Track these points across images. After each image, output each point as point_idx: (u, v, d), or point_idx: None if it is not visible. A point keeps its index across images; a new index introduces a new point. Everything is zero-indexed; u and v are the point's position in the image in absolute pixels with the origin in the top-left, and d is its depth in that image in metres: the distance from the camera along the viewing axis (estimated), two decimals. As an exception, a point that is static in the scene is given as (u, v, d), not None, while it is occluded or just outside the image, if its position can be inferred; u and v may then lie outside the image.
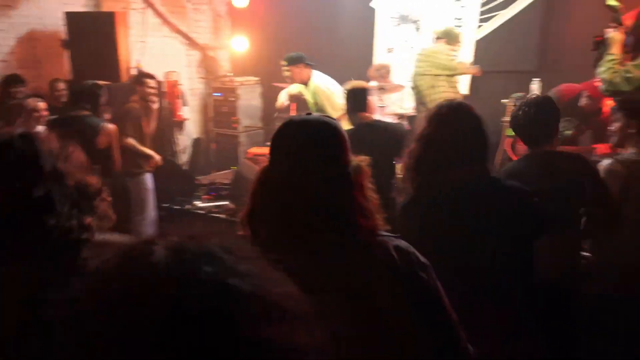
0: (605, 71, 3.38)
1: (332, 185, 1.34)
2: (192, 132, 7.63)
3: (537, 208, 2.01)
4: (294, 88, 5.47)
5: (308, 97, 5.31)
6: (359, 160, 1.40)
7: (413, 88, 5.76)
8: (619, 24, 3.43)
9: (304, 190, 1.33)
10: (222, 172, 6.14)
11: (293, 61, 5.20)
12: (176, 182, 5.36)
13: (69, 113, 4.33)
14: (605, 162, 2.81)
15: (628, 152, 2.84)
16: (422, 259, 1.39)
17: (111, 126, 4.35)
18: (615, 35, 3.43)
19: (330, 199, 1.34)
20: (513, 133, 5.64)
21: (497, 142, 5.59)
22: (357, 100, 3.95)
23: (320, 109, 5.08)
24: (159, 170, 5.10)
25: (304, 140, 1.38)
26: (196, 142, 7.56)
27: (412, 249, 1.40)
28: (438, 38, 5.72)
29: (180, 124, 7.01)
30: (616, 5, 3.45)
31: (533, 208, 2.00)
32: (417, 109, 5.84)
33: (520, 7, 6.26)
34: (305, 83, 5.28)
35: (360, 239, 1.35)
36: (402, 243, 1.40)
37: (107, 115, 4.56)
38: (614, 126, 2.93)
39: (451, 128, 2.00)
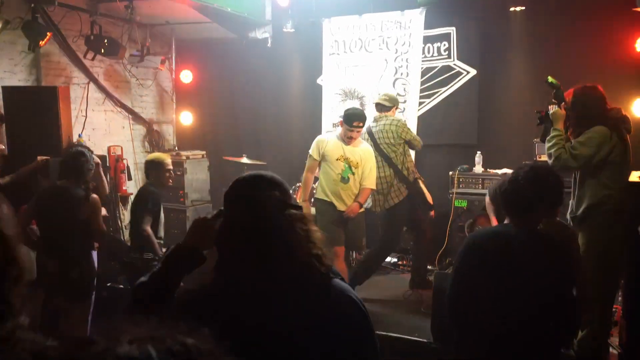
0: (551, 147, 3.53)
1: (278, 227, 1.51)
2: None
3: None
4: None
5: (348, 155, 5.05)
6: (299, 206, 1.59)
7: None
8: (560, 100, 3.62)
9: (255, 233, 1.50)
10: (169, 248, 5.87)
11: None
12: (120, 259, 5.06)
13: (56, 183, 4.33)
14: None
15: None
16: (361, 302, 1.54)
17: (94, 196, 4.30)
18: (557, 111, 3.61)
19: (277, 240, 1.49)
20: (464, 204, 5.80)
21: (448, 213, 5.69)
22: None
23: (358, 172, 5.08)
24: (102, 247, 4.81)
25: (254, 190, 1.58)
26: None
27: (350, 291, 1.55)
28: (387, 107, 5.52)
29: (124, 199, 6.77)
30: (556, 83, 3.66)
31: None
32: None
33: (459, 84, 6.60)
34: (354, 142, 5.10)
35: (306, 276, 1.49)
36: (344, 285, 1.54)
37: (92, 184, 4.49)
38: None
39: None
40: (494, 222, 5.22)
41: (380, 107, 5.52)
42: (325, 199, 5.00)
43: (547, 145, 3.57)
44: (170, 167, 4.63)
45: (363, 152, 5.03)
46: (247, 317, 1.43)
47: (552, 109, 3.64)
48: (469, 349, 2.46)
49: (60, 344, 0.57)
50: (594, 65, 5.40)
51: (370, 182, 5.03)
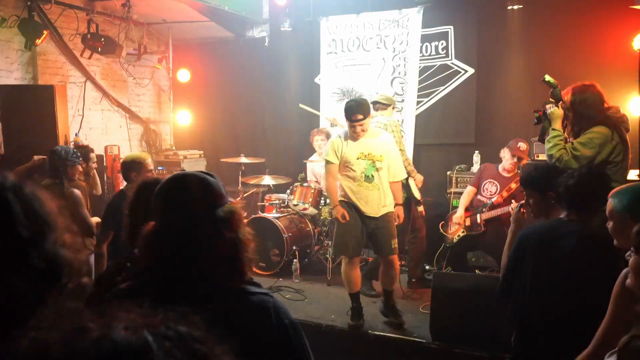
0: (552, 148, 3.49)
1: (197, 234, 1.45)
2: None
3: None
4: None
5: (369, 150, 4.52)
6: (229, 207, 1.51)
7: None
8: (558, 99, 3.58)
9: (174, 240, 1.45)
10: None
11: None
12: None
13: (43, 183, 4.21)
14: None
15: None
16: (285, 318, 1.48)
17: (73, 191, 4.19)
18: (555, 110, 3.55)
19: (195, 249, 1.44)
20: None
21: (446, 213, 5.67)
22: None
23: (384, 165, 4.54)
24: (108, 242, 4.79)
25: (171, 194, 1.52)
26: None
27: (276, 303, 1.49)
28: (384, 105, 5.36)
29: (120, 199, 6.71)
30: (553, 82, 3.61)
31: None
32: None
33: (456, 83, 6.58)
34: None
35: (227, 290, 1.45)
36: (263, 298, 1.47)
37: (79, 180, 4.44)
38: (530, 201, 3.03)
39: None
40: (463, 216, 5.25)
41: (377, 105, 5.45)
42: (348, 201, 4.50)
43: (547, 146, 3.52)
44: (152, 167, 4.15)
45: (384, 142, 4.47)
46: None
47: (550, 108, 3.59)
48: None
49: (55, 332, 0.57)
50: (592, 63, 5.40)
51: (400, 174, 4.60)
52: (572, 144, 3.44)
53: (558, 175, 2.90)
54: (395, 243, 4.50)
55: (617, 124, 3.48)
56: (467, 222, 5.32)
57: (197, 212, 1.48)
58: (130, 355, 0.55)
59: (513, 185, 5.11)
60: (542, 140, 3.72)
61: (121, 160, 4.23)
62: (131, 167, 3.95)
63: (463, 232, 5.34)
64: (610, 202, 2.20)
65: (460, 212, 5.34)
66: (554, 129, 3.52)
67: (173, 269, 1.45)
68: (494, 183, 5.27)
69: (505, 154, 5.27)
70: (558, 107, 3.57)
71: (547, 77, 3.64)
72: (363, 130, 4.36)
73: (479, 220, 5.24)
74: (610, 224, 2.22)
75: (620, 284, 2.02)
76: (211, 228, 1.46)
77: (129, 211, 2.26)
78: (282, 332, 1.46)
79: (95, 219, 4.39)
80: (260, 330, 1.43)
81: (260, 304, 1.46)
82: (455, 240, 5.37)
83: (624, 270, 2.00)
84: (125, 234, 2.24)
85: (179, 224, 1.47)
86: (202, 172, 1.59)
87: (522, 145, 5.14)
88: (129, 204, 2.28)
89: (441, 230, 5.51)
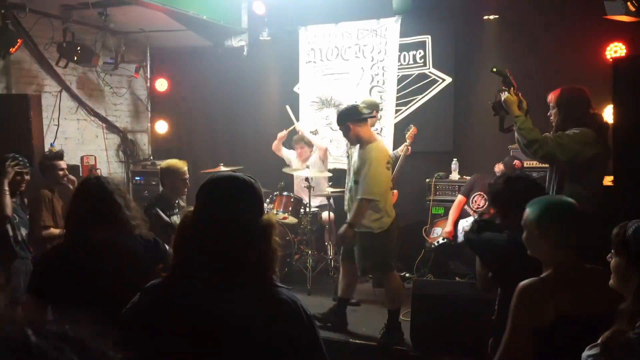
0: (530, 132, 3.41)
1: (242, 236, 1.52)
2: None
3: None
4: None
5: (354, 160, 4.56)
6: (269, 216, 1.59)
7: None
8: (509, 85, 3.58)
9: (219, 236, 1.51)
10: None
11: (339, 121, 4.50)
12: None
13: None
14: None
15: None
16: (308, 312, 1.55)
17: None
18: (508, 97, 3.54)
19: (238, 249, 1.51)
20: (441, 212, 5.82)
21: (425, 221, 5.70)
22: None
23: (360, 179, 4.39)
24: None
25: (229, 192, 1.57)
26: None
27: (299, 300, 1.56)
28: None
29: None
30: (502, 70, 3.66)
31: None
32: None
33: (434, 92, 6.65)
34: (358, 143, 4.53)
35: (260, 285, 1.52)
36: (291, 294, 1.55)
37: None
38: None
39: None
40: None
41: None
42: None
43: (521, 133, 3.45)
44: (187, 175, 4.37)
45: (360, 152, 4.38)
46: (200, 319, 1.46)
47: (504, 95, 3.57)
48: None
49: None
50: (566, 72, 5.49)
51: (362, 192, 4.26)
52: (558, 134, 3.45)
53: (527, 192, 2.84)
54: (363, 266, 4.41)
55: (602, 130, 3.52)
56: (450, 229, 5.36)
57: (242, 217, 1.54)
58: (8, 344, 0.59)
59: None
60: (501, 129, 3.75)
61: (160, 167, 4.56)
62: (164, 174, 4.35)
63: (443, 239, 5.37)
64: (525, 212, 2.20)
65: (448, 228, 5.38)
66: (517, 116, 3.50)
67: (208, 265, 1.51)
68: (484, 197, 5.28)
69: (499, 170, 5.22)
70: (510, 93, 3.57)
71: (495, 68, 3.70)
72: (344, 137, 4.47)
73: (460, 230, 5.27)
74: (524, 234, 2.21)
75: (515, 300, 2.05)
76: (251, 235, 1.53)
77: (69, 203, 2.54)
78: (310, 326, 1.54)
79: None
80: (292, 323, 1.50)
81: (291, 299, 1.53)
82: (433, 247, 5.39)
83: (520, 285, 2.05)
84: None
85: (223, 225, 1.52)
86: (248, 176, 1.63)
87: (518, 163, 5.15)
88: (71, 196, 2.59)
89: (423, 233, 5.54)
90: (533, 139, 3.40)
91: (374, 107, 5.34)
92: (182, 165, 4.36)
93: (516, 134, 3.55)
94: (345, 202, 4.62)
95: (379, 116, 5.71)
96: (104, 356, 0.64)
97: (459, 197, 5.49)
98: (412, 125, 5.75)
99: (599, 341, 1.67)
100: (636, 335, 1.58)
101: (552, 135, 3.45)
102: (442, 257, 5.38)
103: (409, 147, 5.68)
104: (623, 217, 1.85)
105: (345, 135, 4.43)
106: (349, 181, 4.51)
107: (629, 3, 3.89)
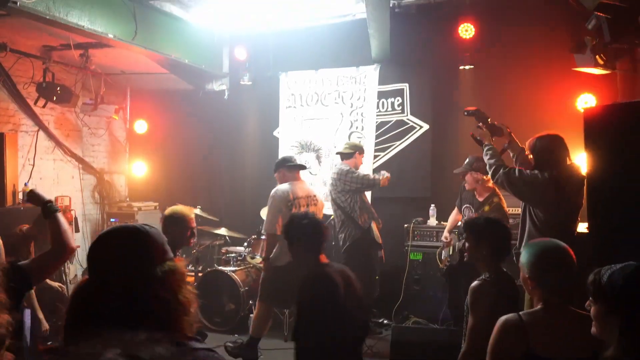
0: (490, 157, 3.85)
1: (136, 288, 1.35)
2: (83, 260, 7.03)
3: None
4: None
5: None
6: (171, 264, 1.42)
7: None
8: (483, 121, 4.01)
9: (110, 294, 1.34)
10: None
11: (275, 168, 5.38)
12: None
13: None
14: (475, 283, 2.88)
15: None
16: None
17: None
18: (482, 132, 4.01)
19: (134, 302, 1.34)
20: (419, 257, 5.82)
21: (404, 266, 5.68)
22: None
23: None
24: (45, 302, 4.55)
25: (107, 250, 1.42)
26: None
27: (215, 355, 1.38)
28: (346, 155, 5.76)
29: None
30: (472, 111, 3.98)
31: None
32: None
33: (412, 138, 6.76)
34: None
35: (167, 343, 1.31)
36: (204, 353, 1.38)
37: None
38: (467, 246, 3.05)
39: None
40: None
41: (341, 155, 5.81)
42: None
43: (484, 156, 3.90)
44: (194, 224, 3.94)
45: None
46: None
47: (477, 132, 4.04)
48: None
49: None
50: (538, 121, 5.63)
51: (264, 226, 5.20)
52: (518, 169, 3.65)
53: (498, 228, 3.00)
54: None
55: (571, 178, 3.63)
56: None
57: (131, 270, 1.37)
58: None
59: (486, 208, 5.04)
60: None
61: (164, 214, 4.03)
62: (169, 222, 3.82)
63: (449, 254, 5.33)
64: (521, 255, 2.34)
65: (445, 234, 5.46)
66: (486, 145, 3.92)
67: (106, 329, 1.29)
68: (470, 208, 5.30)
69: (468, 177, 5.24)
70: (482, 128, 4.01)
71: (466, 112, 4.19)
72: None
73: (455, 250, 5.25)
74: (520, 275, 2.35)
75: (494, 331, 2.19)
76: (146, 288, 1.36)
77: None
78: None
79: None
80: None
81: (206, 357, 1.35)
82: (444, 269, 5.35)
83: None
84: None
85: (111, 282, 1.36)
86: (143, 224, 1.48)
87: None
88: None
89: (437, 258, 5.56)
90: (491, 164, 3.81)
91: (356, 148, 5.77)
92: (189, 212, 3.94)
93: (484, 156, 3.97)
94: None
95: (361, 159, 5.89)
96: None
97: (455, 211, 5.54)
98: (385, 172, 5.83)
99: None
100: None
101: (514, 170, 3.75)
102: (455, 278, 5.16)
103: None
104: (597, 264, 1.87)
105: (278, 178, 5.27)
106: None
107: (597, 56, 4.06)
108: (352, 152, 5.70)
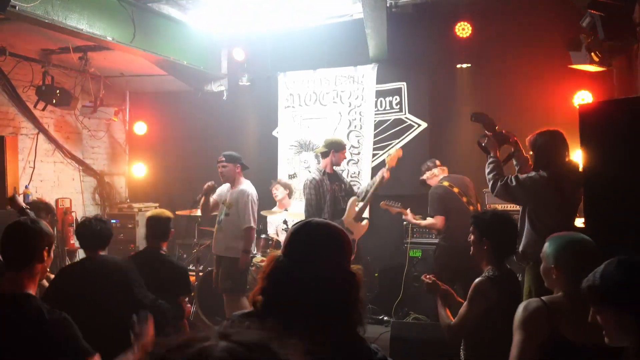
0: (489, 172, 3.84)
1: (339, 283, 1.51)
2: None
3: None
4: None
5: (227, 197, 5.40)
6: (357, 267, 1.59)
7: None
8: (491, 128, 3.95)
9: (315, 283, 1.49)
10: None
11: (232, 159, 5.42)
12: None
13: None
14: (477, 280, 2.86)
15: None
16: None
17: None
18: (489, 142, 3.96)
19: (336, 296, 1.50)
20: (418, 254, 5.85)
21: (403, 263, 5.72)
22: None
23: (232, 212, 5.30)
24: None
25: (323, 239, 1.57)
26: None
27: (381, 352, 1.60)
28: (323, 152, 5.52)
29: (71, 253, 6.52)
30: (480, 116, 3.95)
31: None
32: None
33: (410, 137, 6.79)
34: (232, 182, 5.43)
35: (350, 335, 1.52)
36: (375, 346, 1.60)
37: None
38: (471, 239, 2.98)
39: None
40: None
41: (320, 155, 5.59)
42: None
43: (486, 170, 3.89)
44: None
45: (237, 191, 5.32)
46: None
47: (485, 140, 4.00)
48: None
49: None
50: (536, 118, 5.67)
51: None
52: (514, 177, 3.66)
53: (504, 226, 2.93)
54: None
55: (569, 174, 3.66)
56: None
57: (332, 264, 1.54)
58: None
59: None
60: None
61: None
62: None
63: None
64: (545, 245, 2.36)
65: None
66: (490, 156, 3.91)
67: (295, 310, 1.47)
68: None
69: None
70: (491, 139, 3.96)
71: (473, 117, 4.04)
72: (222, 173, 5.38)
73: None
74: (542, 266, 2.38)
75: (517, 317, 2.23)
76: (341, 281, 1.52)
77: None
78: None
79: None
80: None
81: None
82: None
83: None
84: None
85: (313, 270, 1.51)
86: (338, 226, 1.63)
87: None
88: None
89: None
90: (490, 177, 3.81)
91: (331, 146, 5.43)
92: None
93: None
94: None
95: (344, 155, 5.67)
96: None
97: None
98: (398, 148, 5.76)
99: None
100: None
101: (510, 178, 3.73)
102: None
103: (388, 172, 5.50)
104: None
105: (226, 171, 5.39)
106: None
107: (592, 54, 4.09)
108: (327, 151, 5.41)
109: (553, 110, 5.74)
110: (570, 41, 4.52)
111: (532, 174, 3.72)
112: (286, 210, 6.26)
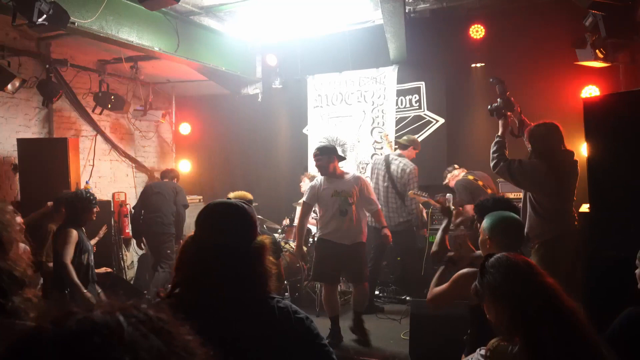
0: (494, 151, 3.85)
1: (243, 255, 1.55)
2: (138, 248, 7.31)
3: None
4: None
5: (338, 189, 4.89)
6: (263, 237, 1.62)
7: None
8: (503, 92, 3.97)
9: (223, 257, 1.53)
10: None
11: (326, 151, 4.90)
12: (124, 296, 4.99)
13: None
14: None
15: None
16: (301, 313, 1.61)
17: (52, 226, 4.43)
18: (501, 122, 3.97)
19: (241, 266, 1.54)
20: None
21: (424, 248, 5.74)
22: None
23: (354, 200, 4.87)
24: (106, 285, 4.76)
25: (227, 218, 1.59)
26: (143, 258, 7.22)
27: (292, 306, 1.62)
28: (403, 145, 6.00)
29: (127, 241, 6.74)
30: (499, 79, 3.91)
31: None
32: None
33: (429, 132, 6.78)
34: (331, 174, 4.90)
35: (258, 298, 1.57)
36: (284, 302, 1.62)
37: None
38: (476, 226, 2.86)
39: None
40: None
41: (399, 145, 6.04)
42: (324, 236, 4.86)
43: (492, 148, 3.90)
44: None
45: (354, 180, 4.87)
46: (206, 332, 1.43)
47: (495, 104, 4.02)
48: None
49: (45, 316, 0.64)
50: (546, 112, 5.54)
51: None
52: (518, 160, 3.65)
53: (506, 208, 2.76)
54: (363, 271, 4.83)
55: (564, 163, 3.63)
56: None
57: (239, 240, 1.57)
58: (106, 330, 0.62)
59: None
60: (513, 135, 4.13)
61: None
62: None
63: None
64: (483, 221, 2.56)
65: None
66: (497, 136, 3.92)
67: (213, 283, 1.52)
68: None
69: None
70: (499, 102, 4.02)
71: (492, 79, 4.12)
72: (318, 165, 4.86)
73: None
74: (479, 238, 2.57)
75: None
76: (246, 255, 1.55)
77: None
78: (300, 324, 1.58)
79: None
80: (286, 324, 1.56)
81: (285, 306, 1.60)
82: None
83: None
84: None
85: (223, 246, 1.55)
86: (244, 202, 1.66)
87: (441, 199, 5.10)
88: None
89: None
90: (495, 156, 3.81)
91: (411, 143, 5.98)
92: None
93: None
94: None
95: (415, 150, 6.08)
96: (187, 347, 0.66)
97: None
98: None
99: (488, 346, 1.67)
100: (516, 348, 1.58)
101: (514, 160, 3.74)
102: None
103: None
104: (598, 238, 1.91)
105: (324, 162, 4.82)
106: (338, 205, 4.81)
107: (597, 51, 4.02)
108: (407, 145, 5.92)
109: (563, 104, 5.65)
110: (576, 39, 4.46)
111: (535, 161, 3.72)
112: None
